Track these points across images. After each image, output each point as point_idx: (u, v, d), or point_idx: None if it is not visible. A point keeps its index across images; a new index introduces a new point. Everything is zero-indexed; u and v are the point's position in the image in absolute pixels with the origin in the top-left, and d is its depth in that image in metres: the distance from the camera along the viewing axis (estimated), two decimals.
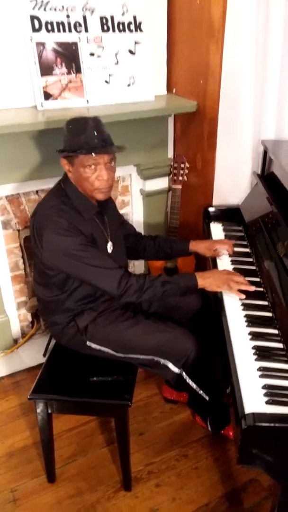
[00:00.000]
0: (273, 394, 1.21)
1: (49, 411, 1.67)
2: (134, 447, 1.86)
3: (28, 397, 1.64)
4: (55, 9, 1.96)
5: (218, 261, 1.86)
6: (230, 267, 1.82)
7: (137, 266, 2.74)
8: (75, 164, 1.60)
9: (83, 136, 1.56)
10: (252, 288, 1.59)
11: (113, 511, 1.71)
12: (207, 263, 1.96)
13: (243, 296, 1.58)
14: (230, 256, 1.88)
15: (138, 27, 2.15)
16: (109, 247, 1.78)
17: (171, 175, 2.43)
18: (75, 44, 2.04)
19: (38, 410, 1.67)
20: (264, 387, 1.23)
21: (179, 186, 2.36)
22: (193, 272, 1.68)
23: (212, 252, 1.89)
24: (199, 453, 1.92)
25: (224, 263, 1.85)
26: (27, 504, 1.74)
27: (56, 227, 1.58)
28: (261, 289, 1.66)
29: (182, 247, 1.96)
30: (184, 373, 1.73)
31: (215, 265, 1.85)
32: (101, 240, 1.73)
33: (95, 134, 1.56)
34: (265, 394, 1.21)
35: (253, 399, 1.20)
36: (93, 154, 1.55)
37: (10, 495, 1.77)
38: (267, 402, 1.19)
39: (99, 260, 1.60)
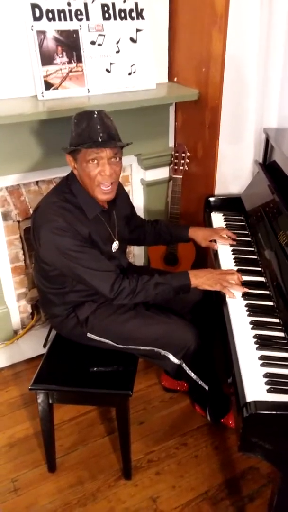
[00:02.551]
0: (274, 383, 1.21)
1: (50, 401, 1.68)
2: (134, 436, 1.86)
3: (29, 387, 1.64)
4: None
5: (219, 251, 1.86)
6: (231, 256, 1.81)
7: (136, 257, 2.74)
8: (78, 159, 1.56)
9: (86, 130, 1.51)
10: (244, 290, 1.58)
11: (113, 500, 1.72)
12: (208, 252, 1.95)
13: (235, 297, 1.57)
14: (231, 245, 1.87)
15: (139, 14, 2.12)
16: (114, 246, 1.77)
17: (171, 165, 2.42)
18: (76, 32, 2.02)
19: (39, 400, 1.67)
20: (266, 375, 1.23)
21: (180, 176, 2.35)
22: (186, 271, 1.67)
23: (207, 243, 1.89)
24: (198, 441, 1.93)
25: (225, 252, 1.84)
26: (28, 494, 1.75)
27: (52, 226, 1.56)
28: (262, 278, 1.66)
29: (181, 233, 1.96)
30: (184, 364, 1.73)
31: (216, 255, 1.85)
32: (104, 240, 1.71)
33: (99, 127, 1.51)
34: (266, 383, 1.21)
35: (255, 387, 1.20)
36: (93, 147, 1.50)
37: (11, 485, 1.78)
38: (269, 391, 1.19)
39: (94, 262, 1.59)
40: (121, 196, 1.81)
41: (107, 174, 1.54)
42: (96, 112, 1.53)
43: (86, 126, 1.52)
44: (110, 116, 1.57)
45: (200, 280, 1.64)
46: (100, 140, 1.51)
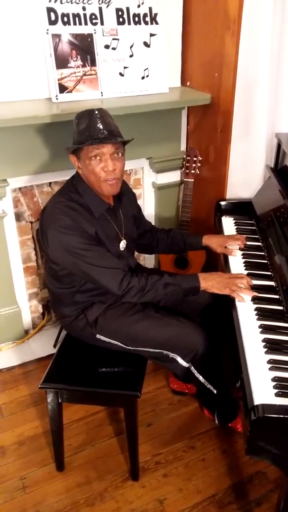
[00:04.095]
0: (283, 387, 1.21)
1: (59, 400, 1.69)
2: (142, 438, 1.86)
3: (39, 386, 1.66)
4: (71, 2, 1.96)
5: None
6: (241, 260, 1.82)
7: (147, 259, 2.75)
8: (81, 158, 1.59)
9: (87, 128, 1.54)
10: (254, 294, 1.58)
11: (120, 500, 1.73)
12: (218, 255, 1.95)
13: (245, 301, 1.57)
14: (241, 249, 1.88)
15: (153, 19, 2.14)
16: (122, 245, 1.77)
17: (183, 168, 2.43)
18: (91, 36, 2.04)
19: (49, 400, 1.68)
20: (274, 379, 1.24)
21: (191, 180, 2.35)
22: (196, 273, 1.67)
23: (223, 249, 1.89)
24: (206, 444, 1.93)
25: (236, 256, 1.84)
26: (36, 492, 1.76)
27: (58, 225, 1.58)
28: (272, 283, 1.66)
29: (195, 241, 1.96)
30: (192, 367, 1.73)
31: (226, 259, 1.85)
32: (111, 238, 1.72)
33: (99, 125, 1.54)
34: (275, 387, 1.22)
35: (263, 391, 1.21)
36: (94, 144, 1.52)
37: (19, 483, 1.80)
38: (277, 394, 1.19)
39: (101, 259, 1.60)
40: (128, 195, 1.83)
41: (110, 169, 1.57)
42: (96, 110, 1.56)
43: (87, 125, 1.54)
44: (110, 114, 1.60)
45: (210, 283, 1.64)
46: (101, 136, 1.53)
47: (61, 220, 1.59)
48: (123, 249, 1.78)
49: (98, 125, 1.54)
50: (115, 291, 1.61)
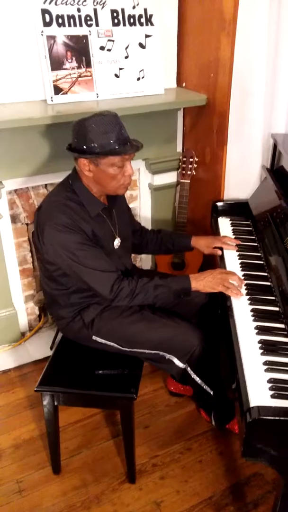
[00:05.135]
0: (279, 388, 1.21)
1: (56, 403, 1.69)
2: (138, 440, 1.86)
3: (35, 389, 1.65)
4: (66, 3, 1.96)
5: (226, 256, 1.86)
6: (237, 261, 1.81)
7: (144, 261, 2.74)
8: (100, 164, 1.55)
9: (112, 136, 1.52)
10: (241, 295, 1.58)
11: (117, 503, 1.72)
12: (215, 257, 1.95)
13: (239, 298, 1.57)
14: (238, 250, 1.87)
15: (148, 20, 2.14)
16: (117, 243, 1.78)
17: (179, 170, 2.43)
18: (86, 37, 2.04)
19: (45, 402, 1.68)
20: (270, 381, 1.23)
21: (188, 181, 2.35)
22: (187, 274, 1.67)
23: (210, 250, 1.89)
24: (203, 446, 1.93)
25: (232, 257, 1.84)
26: (32, 495, 1.76)
27: (55, 222, 1.57)
28: (268, 283, 1.66)
29: (183, 242, 1.96)
30: (189, 368, 1.72)
31: (222, 260, 1.85)
32: (107, 237, 1.72)
33: (122, 132, 1.55)
34: (271, 388, 1.21)
35: (259, 392, 1.20)
36: (129, 153, 1.55)
37: (15, 486, 1.79)
38: (273, 396, 1.19)
39: (95, 261, 1.60)
40: (119, 197, 1.83)
41: (131, 173, 1.59)
42: (112, 116, 1.55)
43: (110, 132, 1.52)
44: None
45: (201, 283, 1.64)
46: (127, 144, 1.55)
47: (59, 218, 1.58)
48: (117, 247, 1.78)
49: (122, 132, 1.54)
50: (106, 295, 1.61)
